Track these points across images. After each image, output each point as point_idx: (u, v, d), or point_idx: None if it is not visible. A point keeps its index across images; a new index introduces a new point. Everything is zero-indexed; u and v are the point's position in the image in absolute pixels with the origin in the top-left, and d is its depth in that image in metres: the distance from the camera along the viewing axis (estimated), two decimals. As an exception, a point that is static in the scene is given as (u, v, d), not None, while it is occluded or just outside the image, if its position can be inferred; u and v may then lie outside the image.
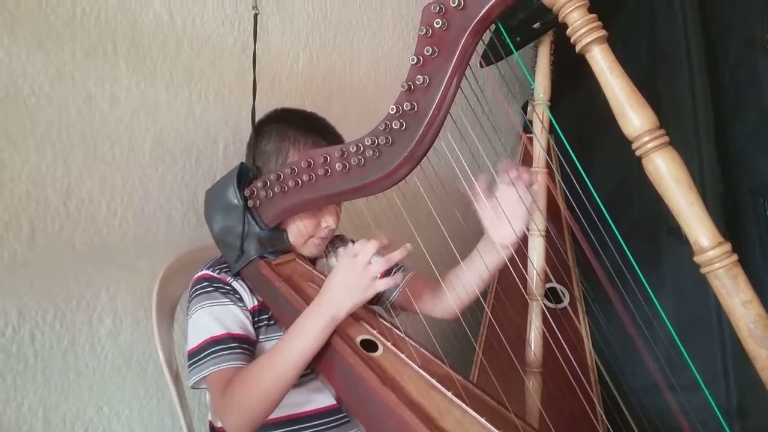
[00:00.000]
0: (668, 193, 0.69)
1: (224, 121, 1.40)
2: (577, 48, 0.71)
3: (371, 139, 0.88)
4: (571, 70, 1.32)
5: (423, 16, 0.78)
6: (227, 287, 1.05)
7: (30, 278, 1.08)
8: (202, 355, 0.98)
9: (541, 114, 1.36)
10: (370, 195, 0.95)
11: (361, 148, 0.90)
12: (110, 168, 1.19)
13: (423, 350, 1.01)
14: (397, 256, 0.93)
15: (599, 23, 0.69)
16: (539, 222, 1.36)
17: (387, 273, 1.03)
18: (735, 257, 0.67)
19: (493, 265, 1.10)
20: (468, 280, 1.13)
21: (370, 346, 0.97)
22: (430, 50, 0.79)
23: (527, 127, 2.00)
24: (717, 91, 1.64)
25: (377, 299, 1.22)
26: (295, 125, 1.12)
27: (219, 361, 0.96)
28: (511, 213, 1.02)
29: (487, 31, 0.79)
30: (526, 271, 1.36)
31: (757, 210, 1.53)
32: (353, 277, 0.93)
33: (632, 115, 0.69)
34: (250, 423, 0.94)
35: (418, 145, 0.85)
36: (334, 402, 1.03)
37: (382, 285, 0.93)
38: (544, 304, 1.35)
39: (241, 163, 1.11)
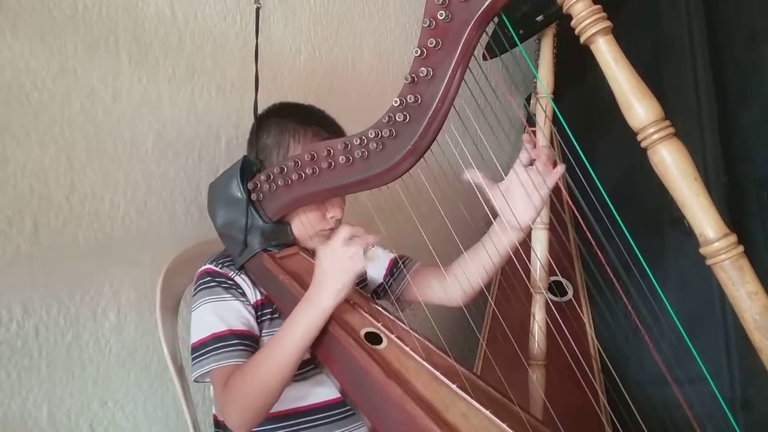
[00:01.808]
0: (673, 185, 0.68)
1: (226, 116, 1.40)
2: (582, 39, 0.70)
3: (375, 132, 0.88)
4: (575, 63, 1.32)
5: (426, 7, 0.78)
6: (230, 282, 1.05)
7: (34, 273, 1.08)
8: (205, 350, 0.98)
9: (544, 106, 1.36)
10: (374, 188, 0.95)
11: (365, 141, 0.90)
12: (113, 163, 1.19)
13: (427, 343, 1.01)
14: (372, 238, 0.93)
15: (604, 14, 0.69)
16: (543, 214, 1.36)
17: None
18: (741, 248, 0.67)
19: (503, 250, 1.08)
20: (472, 269, 1.13)
21: (374, 338, 0.97)
22: (434, 42, 0.79)
23: (531, 120, 1.99)
24: (721, 84, 1.63)
25: (382, 292, 1.22)
26: (293, 118, 1.11)
27: (221, 358, 0.97)
28: (526, 195, 1.02)
29: (491, 23, 0.79)
30: (530, 264, 1.36)
31: (761, 202, 1.53)
32: (331, 261, 0.93)
33: (637, 106, 0.69)
34: (250, 416, 0.94)
35: (421, 137, 0.85)
36: (338, 395, 1.03)
37: (360, 264, 0.92)
38: (548, 297, 1.35)
39: (244, 156, 1.11)
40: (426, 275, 1.21)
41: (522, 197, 1.02)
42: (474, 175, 1.01)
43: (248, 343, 1.00)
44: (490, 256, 1.10)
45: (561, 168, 1.00)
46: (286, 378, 0.93)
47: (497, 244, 1.08)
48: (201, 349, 0.99)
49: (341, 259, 0.92)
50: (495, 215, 1.06)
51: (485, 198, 1.02)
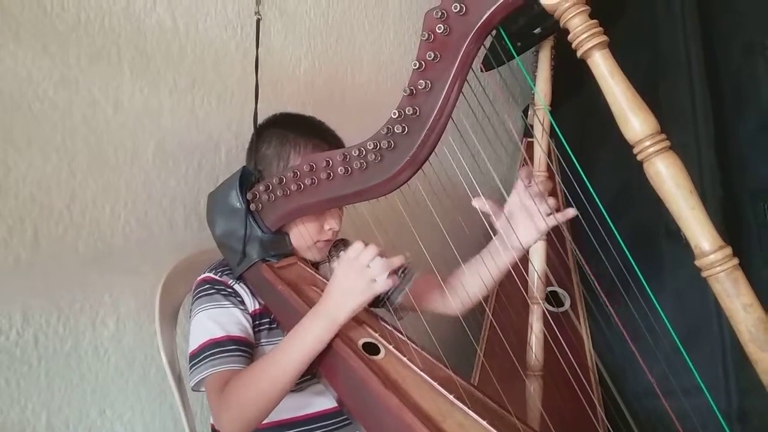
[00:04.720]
0: (669, 198, 0.69)
1: (227, 126, 1.40)
2: (579, 53, 0.71)
3: (373, 143, 0.89)
4: (572, 75, 1.33)
5: (425, 21, 0.79)
6: (229, 289, 1.06)
7: (34, 282, 1.08)
8: (202, 356, 0.98)
9: (542, 118, 1.37)
10: (372, 199, 0.95)
11: (364, 152, 0.90)
12: (114, 172, 1.19)
13: (425, 353, 1.01)
14: (397, 261, 0.93)
15: (600, 29, 0.70)
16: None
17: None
18: (736, 261, 0.68)
19: (503, 266, 1.11)
20: (471, 281, 1.14)
21: (372, 349, 0.97)
22: (432, 55, 0.79)
23: (528, 132, 2.01)
24: (717, 97, 1.64)
25: (381, 302, 1.22)
26: (294, 129, 1.12)
27: (217, 363, 0.97)
28: (529, 218, 1.05)
29: (488, 36, 0.80)
30: (528, 274, 1.36)
31: (756, 214, 1.54)
32: (351, 279, 0.93)
33: (634, 119, 0.69)
34: (245, 423, 0.93)
35: (420, 149, 0.86)
36: (335, 405, 1.03)
37: (381, 287, 0.93)
38: (545, 308, 1.35)
39: (244, 166, 1.11)
40: (425, 285, 1.21)
41: (524, 220, 1.05)
42: (481, 204, 1.03)
43: (245, 349, 1.00)
44: (490, 272, 1.11)
45: (572, 211, 1.02)
46: (286, 388, 0.93)
47: (497, 261, 1.10)
48: (198, 355, 0.99)
49: (362, 281, 0.92)
50: (495, 232, 1.07)
51: (489, 222, 1.04)
